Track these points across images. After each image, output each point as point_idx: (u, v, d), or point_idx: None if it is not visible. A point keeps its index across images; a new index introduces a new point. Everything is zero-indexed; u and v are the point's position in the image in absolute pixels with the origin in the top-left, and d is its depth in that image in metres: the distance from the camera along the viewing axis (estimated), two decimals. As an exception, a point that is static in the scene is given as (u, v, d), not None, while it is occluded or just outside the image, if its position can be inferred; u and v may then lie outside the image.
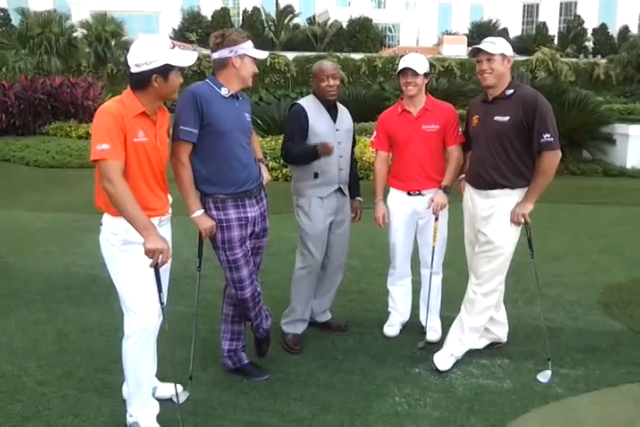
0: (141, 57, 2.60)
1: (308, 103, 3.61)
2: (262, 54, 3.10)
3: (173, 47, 2.67)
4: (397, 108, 3.81)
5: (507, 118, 3.28)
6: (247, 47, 3.02)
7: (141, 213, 2.57)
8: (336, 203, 3.69)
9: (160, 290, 2.76)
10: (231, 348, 3.38)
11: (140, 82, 2.64)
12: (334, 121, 3.64)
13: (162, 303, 2.80)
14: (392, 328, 3.99)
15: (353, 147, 3.87)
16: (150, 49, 2.61)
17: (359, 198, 3.93)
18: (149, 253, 2.55)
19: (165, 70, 2.62)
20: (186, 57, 2.68)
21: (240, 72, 3.03)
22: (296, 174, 3.69)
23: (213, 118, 2.96)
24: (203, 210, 3.05)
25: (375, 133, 3.93)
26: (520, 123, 3.25)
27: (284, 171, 9.60)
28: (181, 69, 2.70)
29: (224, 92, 3.03)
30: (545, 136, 3.21)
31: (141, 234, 2.56)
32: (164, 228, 2.82)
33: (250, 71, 3.06)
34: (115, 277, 2.78)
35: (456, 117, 3.75)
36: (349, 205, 3.84)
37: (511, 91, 3.32)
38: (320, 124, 3.56)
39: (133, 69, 2.63)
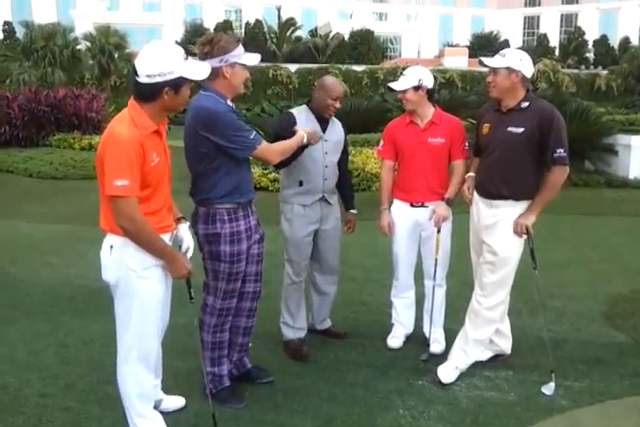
0: (155, 68, 2.43)
1: (300, 112, 3.65)
2: (254, 60, 3.01)
3: (187, 58, 2.52)
4: (405, 118, 3.83)
5: (521, 130, 3.28)
6: (238, 54, 2.94)
7: (164, 240, 2.58)
8: (320, 212, 3.71)
9: (190, 286, 2.78)
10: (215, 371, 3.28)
11: (150, 93, 2.49)
12: (324, 132, 3.64)
13: (191, 298, 2.80)
14: (396, 340, 3.97)
15: (346, 159, 3.90)
16: (165, 60, 2.44)
17: (353, 211, 3.96)
18: (180, 278, 2.62)
19: (179, 83, 2.49)
20: (200, 70, 2.56)
21: (231, 81, 2.97)
22: (283, 181, 3.74)
23: None
24: None
25: (382, 142, 3.95)
26: (534, 135, 3.25)
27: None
28: (191, 82, 2.57)
29: (229, 103, 3.03)
30: (559, 151, 3.23)
31: (167, 261, 2.58)
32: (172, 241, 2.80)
33: (241, 79, 3.01)
34: (125, 311, 2.64)
35: (463, 131, 3.75)
36: (338, 214, 3.85)
37: (527, 103, 3.32)
38: None
39: (143, 80, 2.46)
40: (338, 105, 3.62)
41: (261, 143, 2.96)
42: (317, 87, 3.69)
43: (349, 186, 3.99)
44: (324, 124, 3.66)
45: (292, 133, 3.31)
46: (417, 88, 3.66)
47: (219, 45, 2.89)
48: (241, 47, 2.97)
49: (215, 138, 2.88)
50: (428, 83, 3.70)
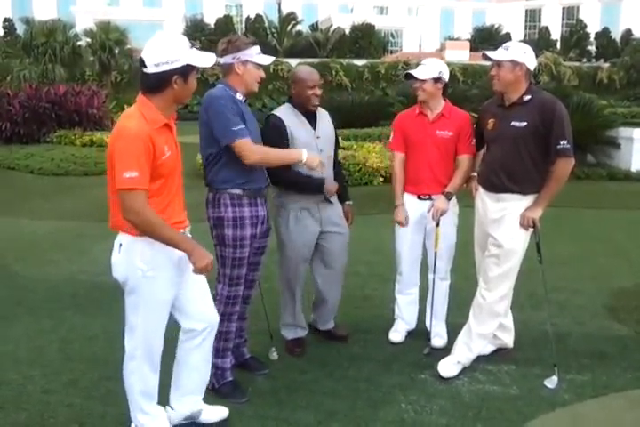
0: (162, 56, 2.44)
1: (286, 113, 3.52)
2: (265, 60, 3.15)
3: (192, 47, 2.55)
4: (415, 109, 3.81)
5: (523, 124, 3.27)
6: (251, 53, 3.08)
7: (175, 231, 2.51)
8: (319, 213, 3.59)
9: None
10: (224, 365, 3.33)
11: (159, 83, 2.49)
12: (313, 128, 3.56)
13: None
14: (397, 334, 3.97)
15: (336, 150, 3.80)
16: (171, 48, 2.46)
17: (348, 202, 3.84)
18: (202, 270, 2.53)
19: (186, 71, 2.50)
20: (206, 58, 2.58)
21: (243, 78, 3.11)
22: (280, 186, 3.59)
23: (246, 120, 3.08)
24: None
25: (392, 135, 3.92)
26: (537, 128, 3.24)
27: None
28: (198, 71, 2.60)
29: (239, 96, 3.13)
30: (562, 143, 3.21)
31: (186, 251, 2.50)
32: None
33: (253, 77, 3.14)
34: (131, 309, 2.64)
35: (471, 126, 3.72)
36: (341, 214, 3.75)
37: (529, 97, 3.31)
38: (300, 134, 3.48)
39: (152, 69, 2.46)
40: (318, 92, 3.49)
41: (244, 138, 2.99)
42: (292, 81, 3.58)
43: (341, 177, 3.84)
44: (311, 119, 3.56)
45: (287, 144, 3.40)
46: (437, 80, 3.65)
47: (233, 44, 3.08)
48: (256, 48, 3.11)
49: (208, 119, 3.02)
50: (446, 76, 3.69)
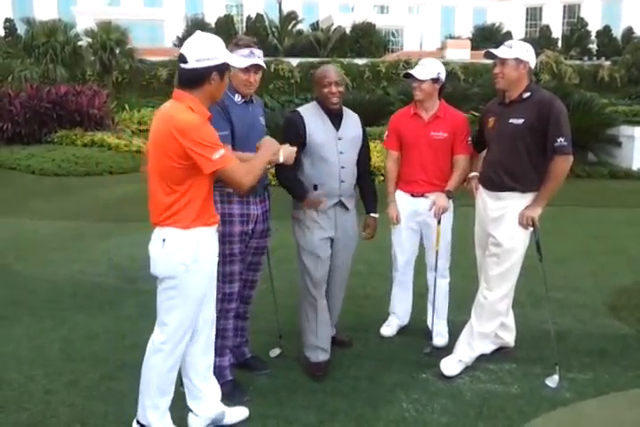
0: (204, 52, 2.54)
1: (308, 110, 3.45)
2: (238, 62, 2.92)
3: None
4: (410, 109, 3.81)
5: (521, 121, 3.28)
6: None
7: (252, 160, 2.70)
8: (335, 217, 3.47)
9: None
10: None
11: (198, 79, 2.56)
12: (337, 128, 3.44)
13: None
14: (388, 328, 4.03)
15: (366, 157, 3.63)
16: (212, 45, 2.57)
17: (374, 215, 3.66)
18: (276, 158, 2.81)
19: (223, 69, 2.60)
20: (240, 59, 2.72)
21: (233, 80, 3.09)
22: None
23: (233, 123, 3.06)
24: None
25: (387, 133, 3.94)
26: (534, 125, 3.24)
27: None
28: (230, 71, 2.71)
29: (237, 98, 3.12)
30: (559, 140, 3.21)
31: (271, 159, 2.75)
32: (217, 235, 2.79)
33: (237, 80, 3.09)
34: (167, 306, 2.65)
35: (466, 127, 3.71)
36: (355, 224, 3.61)
37: (528, 94, 3.32)
38: (319, 133, 3.37)
39: (192, 65, 2.54)
40: (334, 90, 3.33)
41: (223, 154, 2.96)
42: (314, 82, 3.51)
43: (370, 187, 3.68)
44: (336, 119, 3.45)
45: (303, 142, 3.33)
46: (435, 80, 3.65)
47: (230, 46, 3.05)
48: (242, 51, 3.04)
49: None
50: (443, 77, 3.69)
